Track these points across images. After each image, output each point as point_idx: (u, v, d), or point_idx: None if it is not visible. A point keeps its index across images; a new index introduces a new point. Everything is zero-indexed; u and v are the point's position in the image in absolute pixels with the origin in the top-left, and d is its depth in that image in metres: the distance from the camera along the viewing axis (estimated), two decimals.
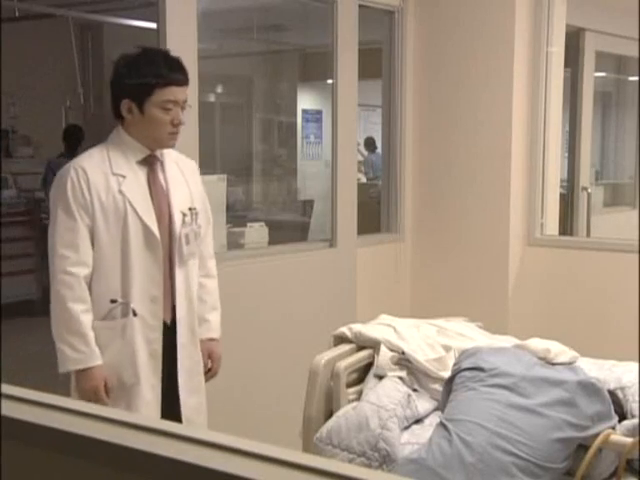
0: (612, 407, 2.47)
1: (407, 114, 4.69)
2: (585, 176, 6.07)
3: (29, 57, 7.87)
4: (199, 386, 2.74)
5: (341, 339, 3.04)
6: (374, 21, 4.68)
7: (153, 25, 3.49)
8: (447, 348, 3.03)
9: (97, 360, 2.54)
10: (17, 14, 6.81)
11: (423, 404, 2.84)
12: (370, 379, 2.90)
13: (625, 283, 4.10)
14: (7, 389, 0.98)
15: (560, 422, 2.36)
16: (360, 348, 3.01)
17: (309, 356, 2.93)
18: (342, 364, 2.85)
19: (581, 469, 2.33)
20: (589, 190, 5.80)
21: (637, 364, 2.77)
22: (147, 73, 2.57)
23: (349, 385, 2.90)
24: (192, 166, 2.81)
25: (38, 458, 0.92)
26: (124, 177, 2.57)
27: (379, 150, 7.18)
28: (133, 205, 2.55)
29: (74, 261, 2.50)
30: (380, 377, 2.86)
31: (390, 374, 2.86)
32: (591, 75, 6.13)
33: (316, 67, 6.79)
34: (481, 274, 4.53)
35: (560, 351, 2.65)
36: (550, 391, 2.43)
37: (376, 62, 4.79)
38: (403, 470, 2.37)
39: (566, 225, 5.59)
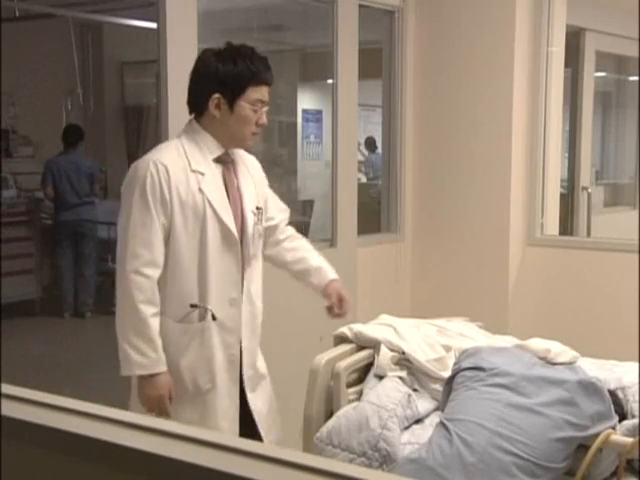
0: (612, 407, 2.47)
1: (407, 114, 4.69)
2: (585, 176, 6.07)
3: (29, 57, 7.87)
4: (264, 390, 2.69)
5: (341, 339, 3.04)
6: (374, 21, 4.68)
7: (153, 25, 3.49)
8: (447, 348, 3.03)
9: (163, 367, 2.44)
10: (17, 14, 6.81)
11: (423, 404, 2.83)
12: (370, 379, 2.89)
13: (625, 283, 4.10)
14: (7, 389, 0.98)
15: (560, 422, 2.36)
16: (360, 348, 3.01)
17: (309, 356, 2.93)
18: (342, 364, 2.85)
19: (581, 469, 2.33)
20: (589, 190, 5.80)
21: (637, 364, 2.77)
22: (243, 69, 2.47)
23: (349, 385, 2.90)
24: (254, 162, 2.73)
25: (38, 458, 0.92)
26: (203, 175, 2.48)
27: (379, 150, 7.17)
28: (212, 204, 2.46)
29: (147, 261, 2.40)
30: (380, 377, 2.86)
31: (390, 374, 2.86)
32: (591, 75, 6.14)
33: (316, 67, 6.79)
34: (481, 274, 4.53)
35: (560, 351, 2.65)
36: (550, 391, 2.42)
37: (376, 62, 4.79)
38: (403, 470, 2.37)
39: (566, 225, 5.59)
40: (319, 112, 4.76)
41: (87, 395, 1.29)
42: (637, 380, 2.59)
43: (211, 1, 4.03)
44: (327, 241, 4.29)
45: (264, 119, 2.52)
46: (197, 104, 2.52)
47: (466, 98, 4.51)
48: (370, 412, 2.65)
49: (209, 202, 2.46)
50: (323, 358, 2.85)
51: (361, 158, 8.94)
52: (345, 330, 3.01)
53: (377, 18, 4.65)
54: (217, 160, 2.54)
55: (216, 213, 2.47)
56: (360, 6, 4.31)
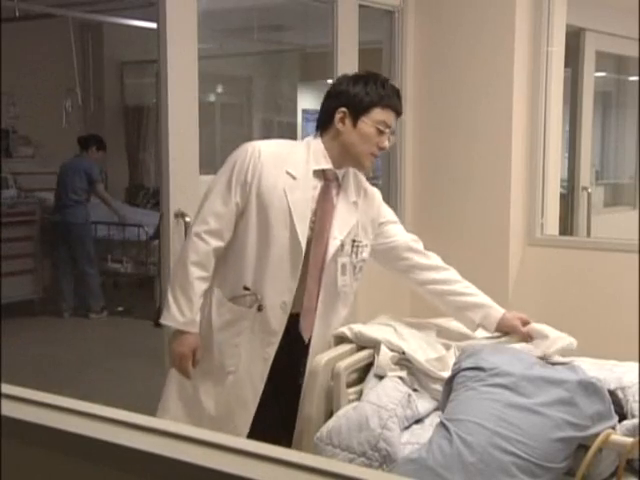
0: (612, 407, 2.47)
1: (407, 114, 4.69)
2: (585, 176, 6.07)
3: (29, 57, 7.87)
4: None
5: (341, 339, 3.04)
6: (374, 21, 4.68)
7: (153, 25, 3.48)
8: (447, 346, 3.03)
9: (194, 328, 2.55)
10: (17, 14, 6.81)
11: (423, 404, 2.84)
12: (370, 379, 2.89)
13: (625, 283, 4.10)
14: (7, 389, 0.98)
15: (560, 422, 2.36)
16: (360, 348, 3.01)
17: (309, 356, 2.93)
18: (342, 364, 2.84)
19: (581, 469, 2.33)
20: (589, 190, 5.80)
21: (637, 364, 2.77)
22: (372, 90, 2.58)
23: (349, 385, 2.90)
24: (374, 196, 2.79)
25: (38, 458, 0.92)
26: (294, 179, 2.54)
27: None
28: (291, 207, 2.52)
29: (212, 229, 2.52)
30: (380, 377, 2.86)
31: (390, 374, 2.86)
32: (591, 75, 6.13)
33: (316, 67, 6.80)
34: (481, 274, 4.52)
35: (557, 337, 2.69)
36: (550, 391, 2.43)
37: (376, 62, 4.79)
38: (403, 470, 2.37)
39: (566, 225, 5.59)
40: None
41: (87, 395, 1.29)
42: (637, 380, 2.59)
43: (211, 1, 4.03)
44: None
45: (386, 143, 2.60)
46: (324, 118, 2.62)
47: (466, 98, 4.51)
48: (370, 412, 2.65)
49: (288, 203, 2.52)
50: (323, 358, 2.85)
51: None
52: (345, 330, 3.02)
53: (377, 18, 4.65)
54: (321, 174, 2.60)
55: (291, 216, 2.53)
56: (360, 6, 4.31)
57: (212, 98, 7.75)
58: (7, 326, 5.98)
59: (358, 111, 2.56)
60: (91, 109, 8.74)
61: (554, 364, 2.61)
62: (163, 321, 2.58)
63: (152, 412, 2.73)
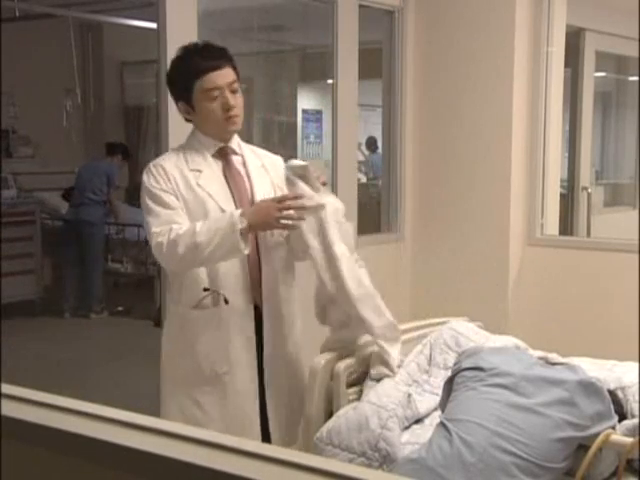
0: (612, 407, 2.47)
1: (407, 114, 4.69)
2: (585, 176, 6.07)
3: (29, 57, 7.87)
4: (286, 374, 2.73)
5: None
6: (374, 21, 4.68)
7: (153, 25, 3.49)
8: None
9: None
10: (17, 14, 6.81)
11: (423, 404, 2.83)
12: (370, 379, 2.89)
13: (625, 283, 4.10)
14: (7, 389, 0.98)
15: (560, 422, 2.36)
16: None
17: (309, 356, 2.93)
18: (342, 364, 2.84)
19: (581, 469, 2.33)
20: (589, 190, 5.80)
21: (637, 364, 2.77)
22: (183, 71, 2.57)
23: (349, 385, 2.90)
24: (276, 163, 2.77)
25: (38, 458, 0.92)
26: (200, 171, 2.59)
27: (380, 150, 7.17)
28: (212, 196, 2.55)
29: (162, 222, 2.51)
30: (378, 380, 2.86)
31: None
32: (591, 75, 6.13)
33: (316, 67, 6.79)
34: (481, 274, 4.53)
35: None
36: (550, 391, 2.42)
37: (376, 62, 4.79)
38: (403, 470, 2.37)
39: (566, 225, 5.59)
40: (319, 112, 4.76)
41: (87, 395, 1.29)
42: (637, 380, 2.59)
43: (211, 1, 4.03)
44: None
45: (229, 103, 2.53)
46: (181, 114, 2.66)
47: (466, 98, 4.51)
48: (370, 412, 2.65)
49: (209, 194, 2.55)
50: (323, 358, 2.85)
51: (361, 158, 8.94)
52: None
53: (377, 18, 4.65)
54: (219, 155, 2.63)
55: (217, 203, 2.55)
56: (360, 6, 4.31)
57: None
58: (7, 326, 5.98)
59: (186, 97, 2.56)
60: (91, 109, 8.74)
61: (554, 364, 2.60)
62: (236, 239, 2.43)
63: (152, 412, 2.72)
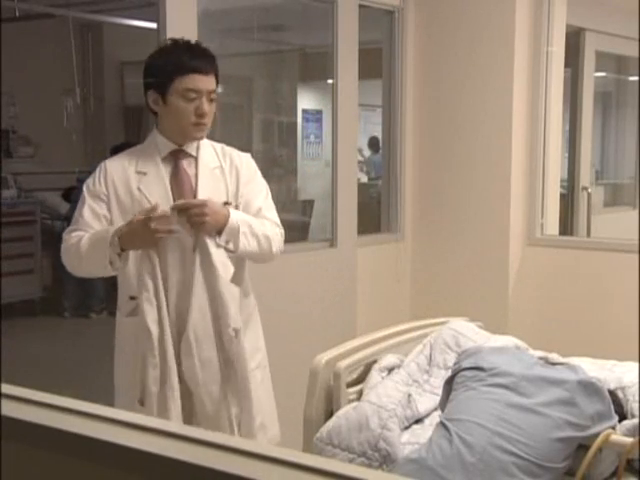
0: (612, 407, 2.47)
1: (407, 114, 4.69)
2: (585, 176, 6.07)
3: (29, 57, 7.87)
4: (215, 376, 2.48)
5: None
6: (374, 21, 4.68)
7: (153, 25, 3.49)
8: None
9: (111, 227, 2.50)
10: (17, 14, 6.81)
11: (423, 404, 2.83)
12: (370, 379, 2.89)
13: (625, 283, 4.10)
14: (7, 389, 0.98)
15: (560, 422, 2.36)
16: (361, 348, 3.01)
17: (309, 356, 2.93)
18: (342, 364, 2.85)
19: (581, 469, 2.33)
20: (589, 190, 5.80)
21: (637, 364, 2.77)
22: (168, 62, 2.50)
23: (349, 385, 2.90)
24: (244, 161, 2.66)
25: (38, 458, 0.92)
26: (145, 174, 2.53)
27: (382, 151, 7.18)
28: (150, 200, 2.48)
29: (77, 226, 2.53)
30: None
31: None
32: (591, 75, 6.13)
33: (316, 67, 6.79)
34: (481, 274, 4.53)
35: None
36: (550, 390, 2.42)
37: (376, 62, 4.79)
38: (403, 470, 2.37)
39: (566, 225, 5.59)
40: (319, 112, 4.76)
41: (87, 395, 1.29)
42: (637, 380, 2.59)
43: (211, 1, 4.03)
44: (327, 241, 4.29)
45: (203, 108, 2.47)
46: (147, 104, 2.56)
47: (466, 98, 4.51)
48: (370, 412, 2.65)
49: (147, 199, 2.49)
50: (323, 358, 2.85)
51: (360, 158, 8.94)
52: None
53: (377, 18, 4.65)
54: (170, 158, 2.55)
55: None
56: (360, 6, 4.31)
57: None
58: (7, 326, 5.98)
59: (161, 88, 2.48)
60: (91, 109, 8.74)
61: (554, 364, 2.60)
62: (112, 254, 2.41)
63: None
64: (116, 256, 2.40)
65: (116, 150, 7.78)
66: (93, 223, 2.51)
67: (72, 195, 8.08)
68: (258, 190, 2.66)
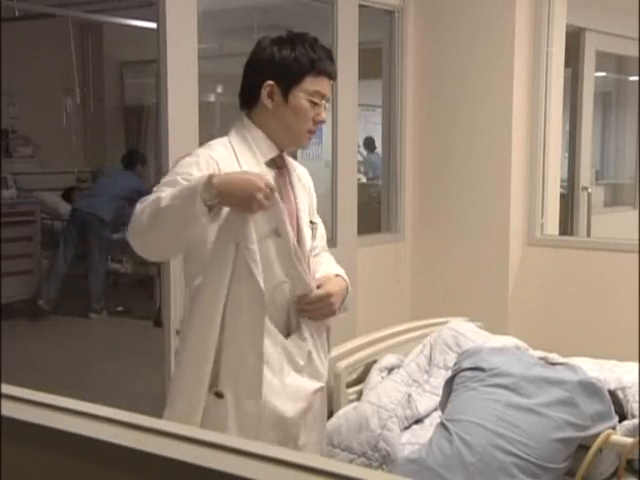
0: (612, 407, 2.47)
1: (407, 114, 4.69)
2: (585, 176, 6.07)
3: (29, 57, 7.87)
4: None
5: None
6: (374, 21, 4.68)
7: (153, 25, 3.48)
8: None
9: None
10: (17, 14, 6.82)
11: (423, 404, 2.83)
12: (371, 378, 2.90)
13: (625, 283, 4.10)
14: (7, 389, 0.98)
15: (560, 422, 2.36)
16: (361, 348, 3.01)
17: None
18: (342, 364, 2.85)
19: (581, 469, 2.33)
20: (589, 190, 5.80)
21: (637, 364, 2.77)
22: (301, 55, 2.18)
23: (349, 385, 2.90)
24: (307, 175, 2.40)
25: (38, 458, 0.92)
26: None
27: (379, 150, 7.18)
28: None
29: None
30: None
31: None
32: (591, 75, 6.14)
33: None
34: (481, 274, 4.53)
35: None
36: (550, 391, 2.42)
37: (376, 62, 4.79)
38: (403, 470, 2.37)
39: (566, 225, 5.59)
40: None
41: (87, 395, 1.29)
42: (637, 380, 2.59)
43: (211, 1, 4.03)
44: (327, 241, 4.28)
45: (323, 116, 2.22)
46: (249, 95, 2.22)
47: (466, 98, 4.51)
48: (370, 412, 2.65)
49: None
50: None
51: (360, 158, 8.94)
52: None
53: (377, 18, 4.65)
54: (271, 164, 2.22)
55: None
56: (360, 6, 4.31)
57: (212, 98, 7.75)
58: (7, 326, 5.98)
59: (288, 82, 2.17)
60: (91, 109, 8.74)
61: (554, 364, 2.60)
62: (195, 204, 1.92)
63: (152, 412, 2.72)
64: (205, 209, 1.92)
65: (129, 160, 7.75)
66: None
67: (72, 195, 8.10)
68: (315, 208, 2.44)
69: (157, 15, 3.34)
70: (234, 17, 5.54)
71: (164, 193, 1.98)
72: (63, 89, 8.14)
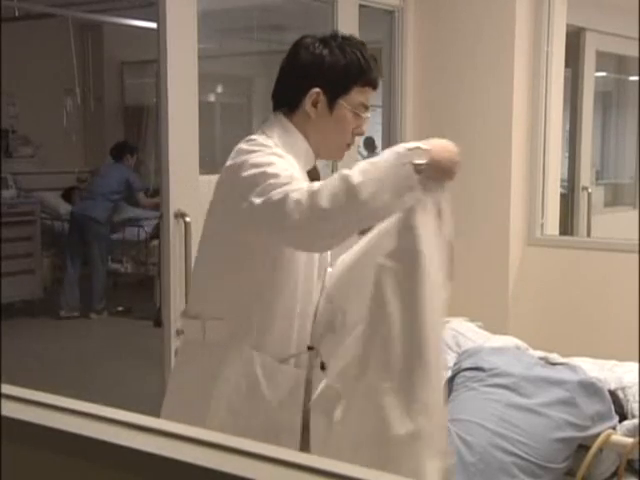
0: (612, 407, 2.47)
1: (407, 114, 4.69)
2: (585, 176, 6.07)
3: (29, 57, 7.88)
4: None
5: None
6: (374, 21, 4.68)
7: (153, 25, 3.48)
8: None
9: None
10: (17, 14, 6.82)
11: None
12: None
13: (625, 283, 4.10)
14: (7, 389, 0.98)
15: (560, 422, 2.36)
16: None
17: None
18: None
19: (582, 469, 2.33)
20: (589, 190, 5.81)
21: (637, 364, 2.77)
22: (352, 63, 2.05)
23: None
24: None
25: (38, 458, 0.92)
26: None
27: (379, 150, 7.18)
28: None
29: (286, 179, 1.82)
30: None
31: None
32: (591, 75, 6.14)
33: None
34: (481, 274, 4.53)
35: None
36: (550, 391, 2.42)
37: (376, 62, 4.78)
38: None
39: (566, 225, 5.59)
40: None
41: (87, 395, 1.29)
42: (637, 380, 2.59)
43: (211, 1, 4.03)
44: None
45: (363, 129, 2.09)
46: (289, 98, 2.04)
47: (466, 98, 4.51)
48: None
49: None
50: None
51: (360, 159, 8.94)
52: None
53: (377, 18, 4.65)
54: (308, 174, 2.05)
55: None
56: (360, 6, 4.31)
57: (212, 98, 7.76)
58: (7, 326, 5.99)
59: (335, 92, 2.01)
60: (91, 109, 8.75)
61: (554, 364, 2.60)
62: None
63: (152, 412, 2.72)
64: (417, 177, 1.77)
65: (117, 151, 7.79)
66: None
67: (72, 195, 8.11)
68: None
69: (157, 15, 3.34)
70: (234, 17, 5.54)
71: (344, 170, 1.75)
72: (63, 89, 8.14)
